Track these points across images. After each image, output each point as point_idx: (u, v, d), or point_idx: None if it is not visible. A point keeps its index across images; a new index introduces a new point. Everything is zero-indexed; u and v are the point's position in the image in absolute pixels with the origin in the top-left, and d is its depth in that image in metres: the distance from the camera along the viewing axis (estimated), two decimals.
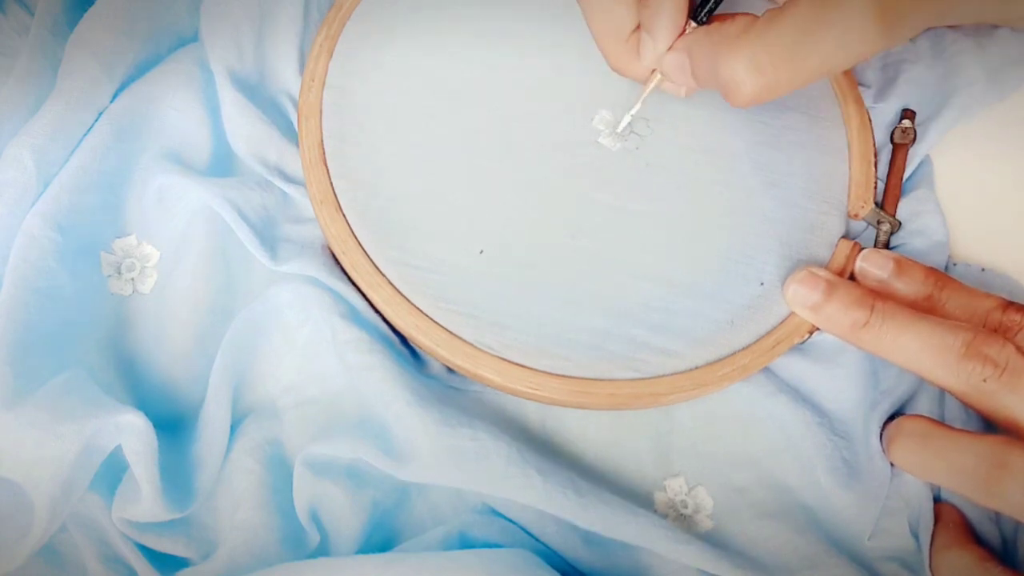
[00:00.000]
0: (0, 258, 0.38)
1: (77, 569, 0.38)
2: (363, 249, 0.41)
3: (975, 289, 0.40)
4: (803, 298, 0.40)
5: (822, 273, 0.41)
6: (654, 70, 0.40)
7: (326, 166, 0.42)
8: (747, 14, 0.37)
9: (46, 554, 0.38)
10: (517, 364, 0.39)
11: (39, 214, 0.38)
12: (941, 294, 0.39)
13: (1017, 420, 0.36)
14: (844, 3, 0.33)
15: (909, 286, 0.40)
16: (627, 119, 0.42)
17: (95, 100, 0.41)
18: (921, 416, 0.40)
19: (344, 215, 0.41)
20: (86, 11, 0.42)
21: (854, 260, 0.42)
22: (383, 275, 0.40)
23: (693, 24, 0.38)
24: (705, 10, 0.38)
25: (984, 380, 0.36)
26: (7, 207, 0.38)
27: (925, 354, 0.37)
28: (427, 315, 0.40)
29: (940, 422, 0.39)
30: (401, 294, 0.40)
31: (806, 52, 0.34)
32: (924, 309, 0.39)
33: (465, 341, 0.39)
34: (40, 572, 0.37)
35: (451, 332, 0.40)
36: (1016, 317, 0.38)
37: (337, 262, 0.41)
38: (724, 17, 0.38)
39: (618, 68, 0.40)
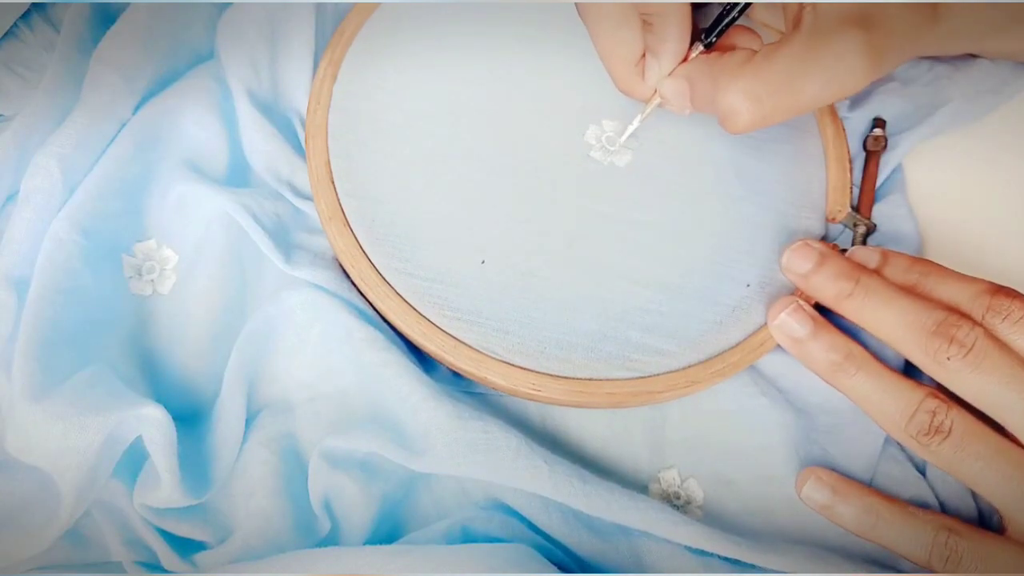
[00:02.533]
0: (28, 260, 0.39)
1: (101, 551, 0.39)
2: (371, 262, 0.42)
3: (963, 274, 0.41)
4: (796, 266, 0.42)
5: (816, 245, 0.43)
6: (656, 91, 0.42)
7: (333, 184, 0.43)
8: (746, 48, 0.40)
9: (72, 537, 0.39)
10: (520, 367, 0.41)
11: (65, 219, 0.40)
12: (927, 280, 0.41)
13: (976, 398, 0.38)
14: (835, 43, 0.36)
15: (895, 275, 0.42)
16: (629, 131, 0.44)
17: (117, 112, 0.43)
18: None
19: (352, 230, 0.42)
20: (109, 28, 0.44)
21: None
22: (391, 286, 0.42)
23: (700, 46, 0.41)
24: (715, 32, 0.40)
25: (948, 358, 0.38)
26: (35, 212, 0.40)
27: (900, 329, 0.39)
28: (433, 323, 0.41)
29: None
30: (408, 304, 0.41)
31: (799, 86, 0.37)
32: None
33: (470, 347, 0.41)
34: (66, 554, 0.39)
35: (457, 339, 0.41)
36: (1004, 301, 0.39)
37: (347, 273, 0.43)
38: (724, 48, 0.41)
39: (625, 90, 0.43)
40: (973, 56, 0.49)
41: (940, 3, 0.41)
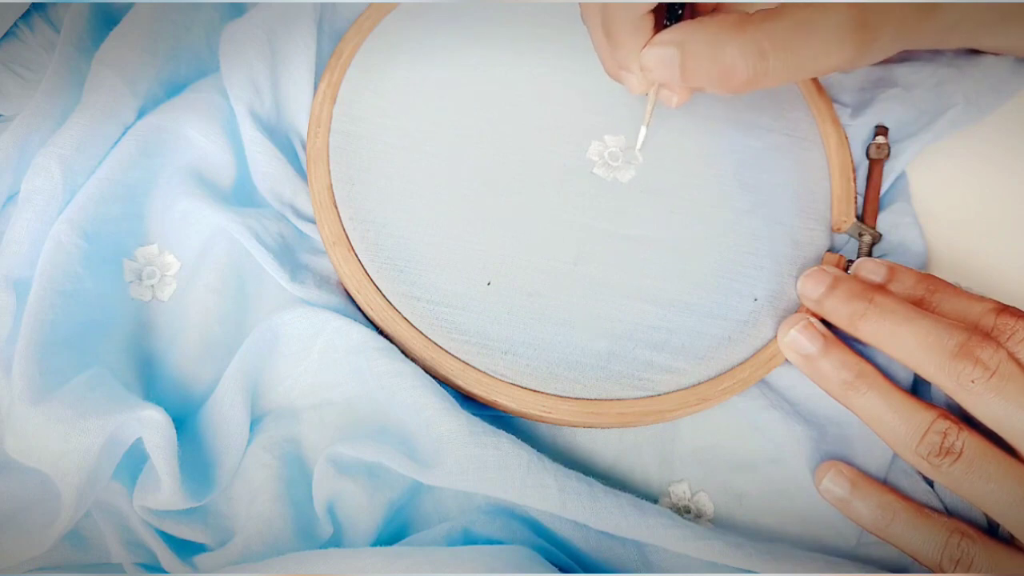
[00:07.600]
0: (29, 261, 0.39)
1: (101, 552, 0.39)
2: (376, 287, 0.42)
3: (968, 292, 0.41)
4: (809, 291, 0.43)
5: (829, 269, 0.43)
6: (650, 90, 0.41)
7: (336, 209, 0.43)
8: (733, 13, 0.39)
9: (72, 538, 0.39)
10: (530, 389, 0.41)
11: (66, 221, 0.39)
12: (933, 297, 0.41)
13: (999, 423, 0.38)
14: (829, 11, 0.36)
15: (902, 290, 0.42)
16: (642, 133, 0.44)
17: (119, 114, 0.42)
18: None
19: (356, 255, 0.42)
20: (110, 28, 0.44)
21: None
22: (397, 311, 0.41)
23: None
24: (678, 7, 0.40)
25: (972, 381, 0.37)
26: (35, 213, 0.39)
27: (920, 349, 0.38)
28: (441, 347, 0.41)
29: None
30: (416, 328, 0.41)
31: (800, 45, 0.37)
32: None
33: (479, 370, 0.41)
34: (67, 555, 0.39)
35: (465, 362, 0.41)
36: (1010, 321, 0.38)
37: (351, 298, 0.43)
38: (708, 9, 0.40)
39: (612, 75, 0.42)
40: (976, 52, 0.49)
41: None
